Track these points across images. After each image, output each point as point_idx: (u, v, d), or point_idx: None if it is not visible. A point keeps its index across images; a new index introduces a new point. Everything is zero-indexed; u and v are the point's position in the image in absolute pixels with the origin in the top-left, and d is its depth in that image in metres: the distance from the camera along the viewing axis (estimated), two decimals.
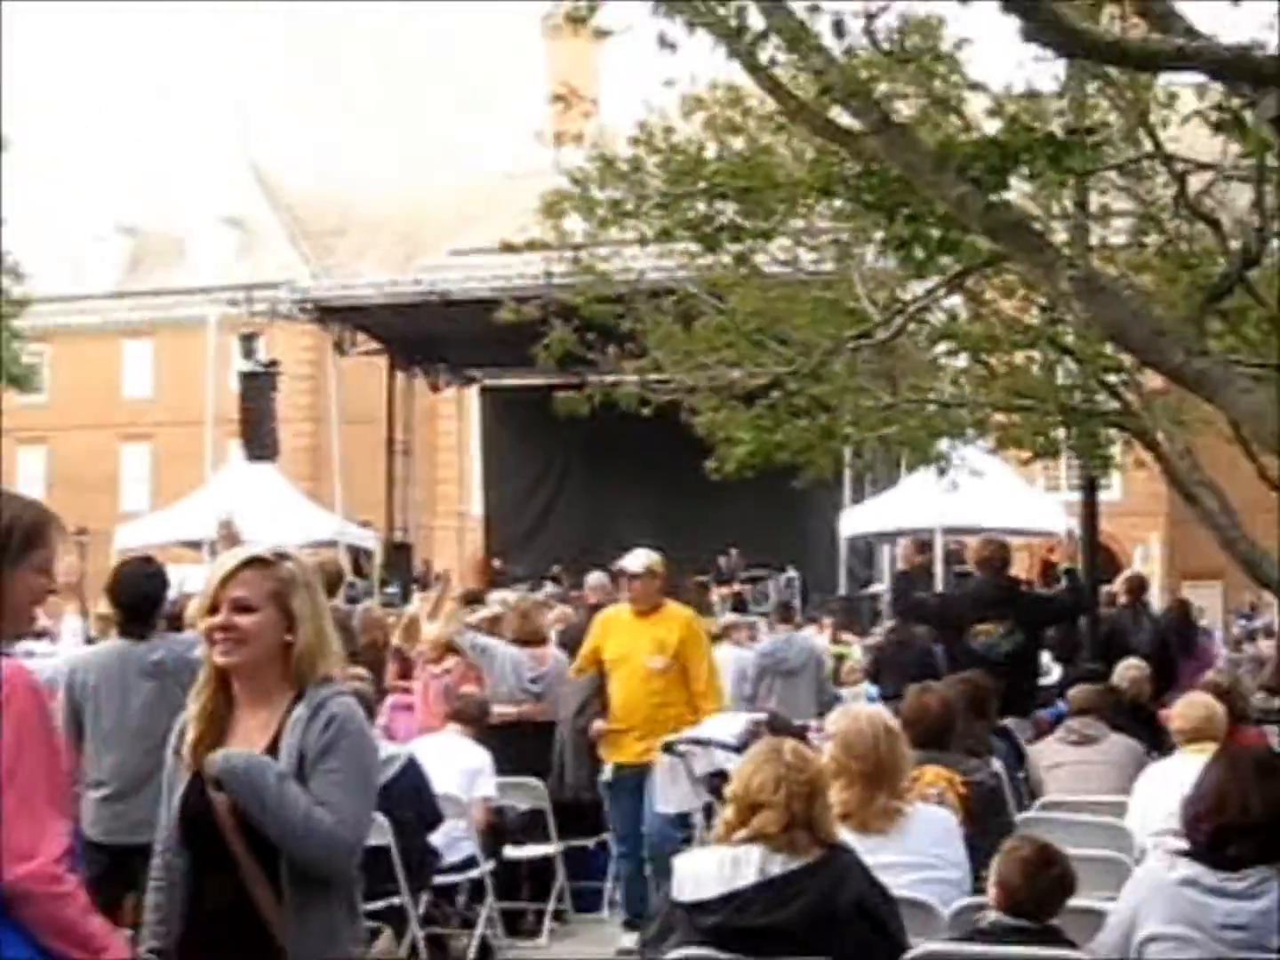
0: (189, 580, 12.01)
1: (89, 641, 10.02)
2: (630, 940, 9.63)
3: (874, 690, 16.18)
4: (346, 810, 4.14)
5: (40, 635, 13.60)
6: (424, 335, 31.72)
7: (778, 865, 5.17)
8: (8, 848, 3.80)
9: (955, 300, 12.38)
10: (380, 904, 8.41)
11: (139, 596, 7.92)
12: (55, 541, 4.31)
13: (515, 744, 11.03)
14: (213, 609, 4.31)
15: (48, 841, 3.84)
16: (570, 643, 12.84)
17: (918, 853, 6.13)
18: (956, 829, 6.59)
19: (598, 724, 10.61)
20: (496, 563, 32.07)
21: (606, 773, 10.55)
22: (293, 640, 4.28)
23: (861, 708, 7.04)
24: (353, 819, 4.16)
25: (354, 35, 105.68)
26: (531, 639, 12.04)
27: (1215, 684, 9.70)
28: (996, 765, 8.19)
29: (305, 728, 4.19)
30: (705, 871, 5.26)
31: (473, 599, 14.27)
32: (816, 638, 20.58)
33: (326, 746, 4.18)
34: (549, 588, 25.83)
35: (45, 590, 4.27)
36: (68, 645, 10.60)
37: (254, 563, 4.35)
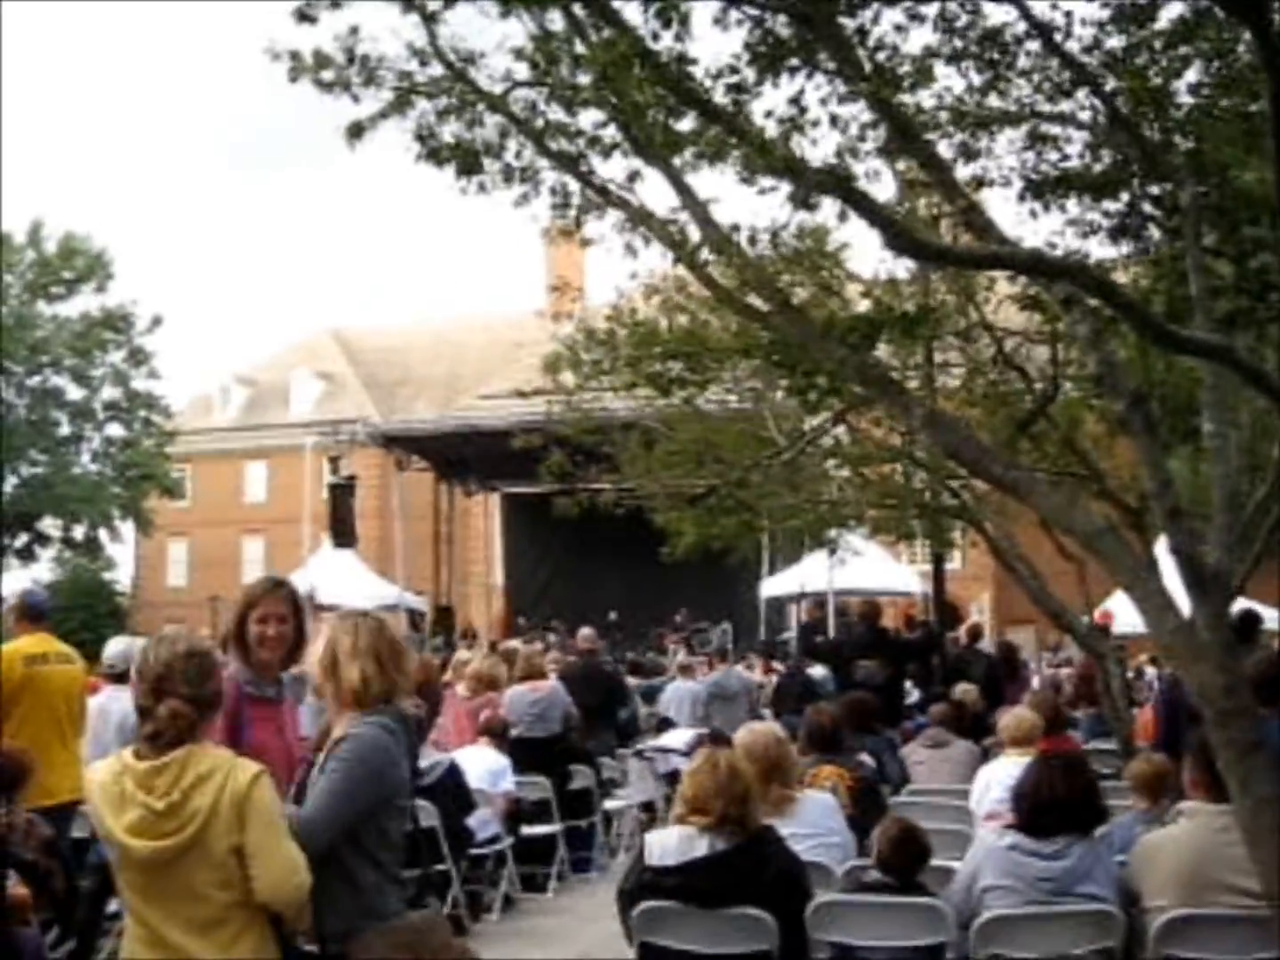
0: None
1: None
2: None
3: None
4: (311, 811, 4.06)
5: None
6: (460, 456, 31.59)
7: (721, 843, 5.16)
8: None
9: (840, 429, 12.43)
10: (431, 870, 8.31)
11: None
12: (267, 602, 4.92)
13: (527, 752, 10.96)
14: None
15: None
16: (564, 678, 12.80)
17: (810, 825, 6.07)
18: (836, 807, 6.57)
19: None
20: (520, 620, 32.14)
21: None
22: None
23: (758, 724, 6.93)
24: (312, 818, 4.04)
25: (409, 240, 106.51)
26: (534, 674, 11.99)
27: (1039, 701, 9.43)
28: (872, 763, 8.13)
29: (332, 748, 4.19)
30: (668, 845, 5.23)
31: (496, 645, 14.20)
32: (749, 673, 20.44)
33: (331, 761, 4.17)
34: (551, 637, 25.75)
35: (263, 634, 4.87)
36: None
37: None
